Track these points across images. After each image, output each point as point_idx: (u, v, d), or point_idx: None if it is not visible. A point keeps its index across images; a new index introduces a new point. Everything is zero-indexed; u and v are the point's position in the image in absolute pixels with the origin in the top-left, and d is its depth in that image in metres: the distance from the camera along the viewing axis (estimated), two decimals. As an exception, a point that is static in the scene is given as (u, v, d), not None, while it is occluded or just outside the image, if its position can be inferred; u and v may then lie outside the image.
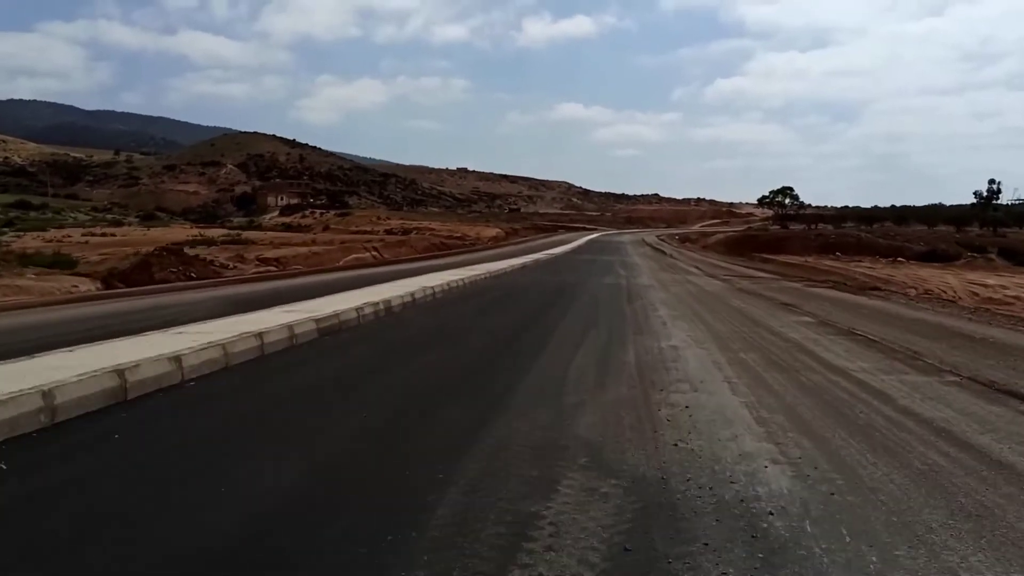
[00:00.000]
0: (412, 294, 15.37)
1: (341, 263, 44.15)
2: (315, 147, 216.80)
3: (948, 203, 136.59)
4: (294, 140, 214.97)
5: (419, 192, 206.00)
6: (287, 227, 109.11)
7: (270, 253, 43.28)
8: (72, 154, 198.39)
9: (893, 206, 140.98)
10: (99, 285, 27.74)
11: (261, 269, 37.50)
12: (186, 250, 37.85)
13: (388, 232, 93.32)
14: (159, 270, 32.07)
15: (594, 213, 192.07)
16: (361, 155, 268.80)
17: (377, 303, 13.09)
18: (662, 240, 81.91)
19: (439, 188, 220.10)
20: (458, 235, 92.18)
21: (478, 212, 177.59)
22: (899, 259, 53.60)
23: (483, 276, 22.69)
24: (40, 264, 32.97)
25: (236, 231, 72.89)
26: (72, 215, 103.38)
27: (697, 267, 34.79)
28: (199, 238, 55.12)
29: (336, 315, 11.29)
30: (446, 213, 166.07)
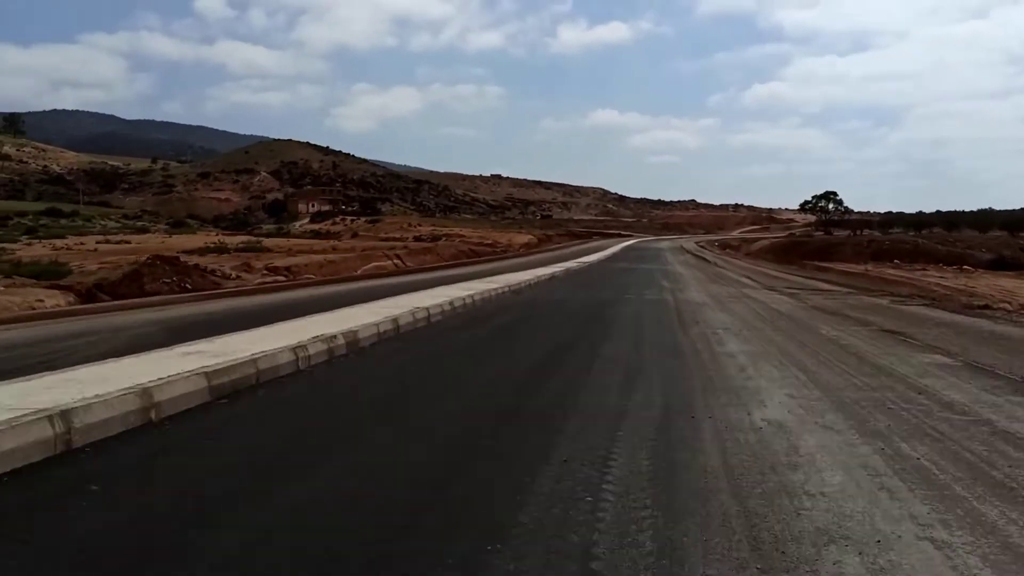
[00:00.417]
0: (396, 319, 11.49)
1: (359, 272, 40.61)
2: (348, 154, 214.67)
3: (995, 208, 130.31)
4: (327, 147, 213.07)
5: (452, 199, 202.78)
6: (316, 234, 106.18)
7: (281, 262, 39.75)
8: (110, 162, 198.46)
9: (939, 211, 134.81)
10: (72, 299, 24.32)
11: (268, 279, 34.01)
12: (185, 259, 34.44)
13: (416, 239, 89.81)
14: (150, 281, 28.62)
15: (630, 219, 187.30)
16: (396, 162, 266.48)
17: (334, 336, 9.23)
18: (702, 247, 77.56)
19: (472, 195, 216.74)
20: (489, 242, 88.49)
21: (511, 219, 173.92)
22: (964, 267, 48.71)
23: (501, 291, 18.80)
24: (29, 274, 29.96)
25: (258, 238, 69.80)
26: (101, 222, 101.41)
27: (749, 277, 30.58)
28: (215, 245, 51.83)
29: (254, 361, 7.46)
30: (479, 219, 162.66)
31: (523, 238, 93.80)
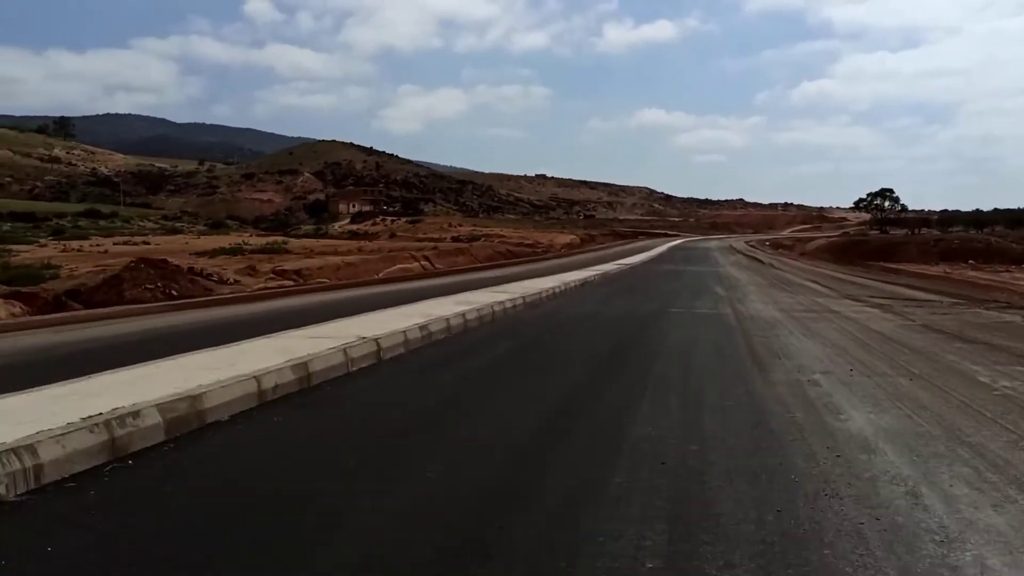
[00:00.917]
0: (347, 351, 7.40)
1: (381, 275, 36.88)
2: (392, 154, 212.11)
3: None
4: (371, 148, 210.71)
5: (495, 199, 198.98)
6: (353, 234, 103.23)
7: (292, 264, 36.11)
8: (157, 164, 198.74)
9: (996, 208, 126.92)
10: (19, 310, 20.80)
11: (271, 284, 30.31)
12: (180, 262, 30.90)
13: (455, 239, 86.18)
14: (131, 287, 25.10)
15: (676, 219, 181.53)
16: (442, 163, 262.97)
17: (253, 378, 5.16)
18: (753, 247, 72.55)
19: (516, 195, 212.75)
20: (529, 242, 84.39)
21: (555, 219, 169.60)
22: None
23: (514, 304, 14.64)
24: (6, 278, 26.84)
25: (287, 239, 66.66)
26: (140, 223, 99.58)
27: (816, 282, 26.03)
28: (231, 247, 48.60)
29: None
30: (522, 220, 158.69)
31: (565, 238, 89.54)
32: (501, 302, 14.07)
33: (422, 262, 44.34)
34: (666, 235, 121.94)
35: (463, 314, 11.78)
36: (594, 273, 27.64)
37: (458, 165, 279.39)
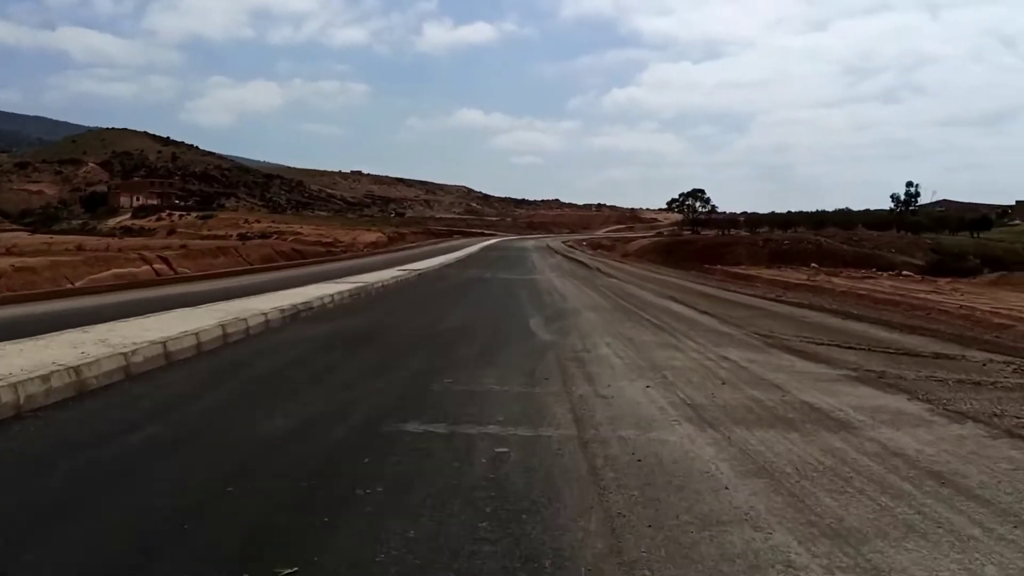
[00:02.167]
0: None
1: (80, 284, 25.82)
2: (192, 145, 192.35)
3: (828, 210, 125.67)
4: (168, 138, 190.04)
5: (306, 195, 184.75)
6: (127, 231, 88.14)
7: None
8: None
9: (790, 211, 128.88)
10: None
11: None
12: None
13: (241, 236, 74.28)
14: None
15: (494, 218, 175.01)
16: (256, 159, 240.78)
17: None
18: (571, 247, 65.68)
19: (329, 191, 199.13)
20: (328, 240, 73.86)
21: (369, 216, 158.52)
22: (904, 273, 38.30)
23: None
24: None
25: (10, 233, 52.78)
26: None
27: (673, 298, 18.10)
28: None
29: None
30: (334, 217, 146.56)
31: (370, 236, 79.45)
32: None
33: (157, 265, 33.25)
34: (482, 234, 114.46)
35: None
36: (366, 282, 18.44)
37: (272, 160, 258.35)
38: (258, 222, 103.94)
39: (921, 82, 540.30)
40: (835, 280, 27.40)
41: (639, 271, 32.71)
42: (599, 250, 64.06)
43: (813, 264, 39.39)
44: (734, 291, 20.55)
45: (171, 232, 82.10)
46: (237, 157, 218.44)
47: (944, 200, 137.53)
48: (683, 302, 16.55)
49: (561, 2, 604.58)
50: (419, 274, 24.89)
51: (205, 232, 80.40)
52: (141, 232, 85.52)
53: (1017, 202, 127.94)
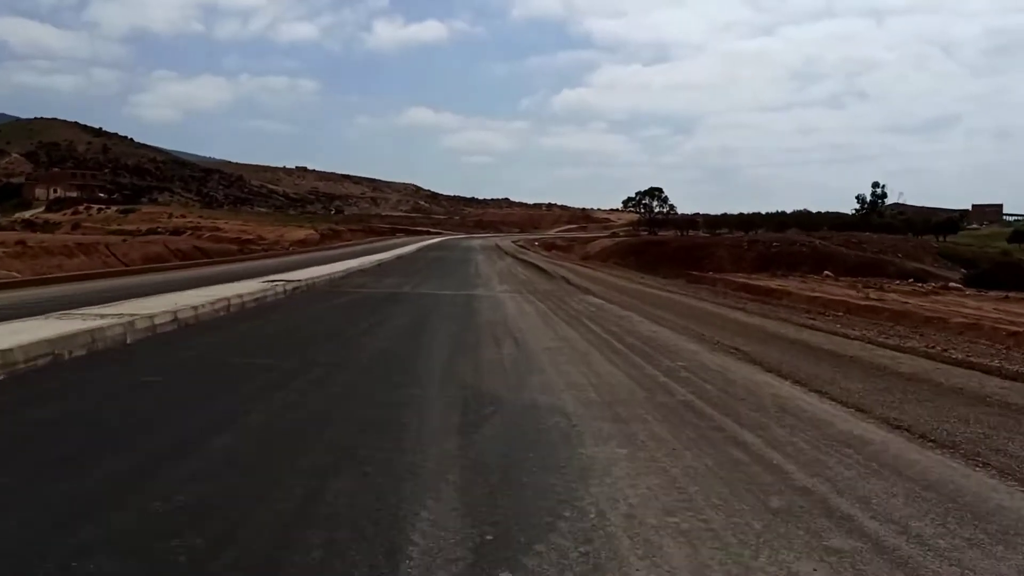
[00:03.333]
0: None
1: None
2: (126, 137, 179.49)
3: (782, 211, 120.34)
4: (100, 129, 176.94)
5: (245, 190, 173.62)
6: (29, 224, 77.35)
7: None
8: None
9: (753, 213, 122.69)
10: None
11: None
12: None
13: (150, 231, 64.62)
14: None
15: (441, 216, 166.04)
16: (203, 155, 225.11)
17: None
18: (522, 247, 57.66)
19: (271, 187, 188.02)
20: (249, 237, 64.56)
21: (311, 213, 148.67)
22: (924, 285, 30.93)
23: None
24: None
25: None
26: None
27: (723, 346, 9.93)
28: None
29: None
30: (274, 213, 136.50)
31: (299, 234, 70.23)
32: None
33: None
34: (427, 232, 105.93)
35: None
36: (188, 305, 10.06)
37: (219, 157, 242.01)
38: (183, 217, 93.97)
39: (864, 88, 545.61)
40: (890, 296, 19.62)
41: (615, 280, 24.59)
42: (554, 251, 56.18)
43: (826, 272, 31.80)
44: (797, 323, 12.53)
45: (75, 227, 71.95)
46: (183, 153, 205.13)
47: (895, 204, 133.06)
48: (757, 359, 8.42)
49: (512, 2, 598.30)
50: (308, 286, 16.42)
51: (115, 227, 70.39)
52: (44, 226, 74.95)
53: (973, 206, 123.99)
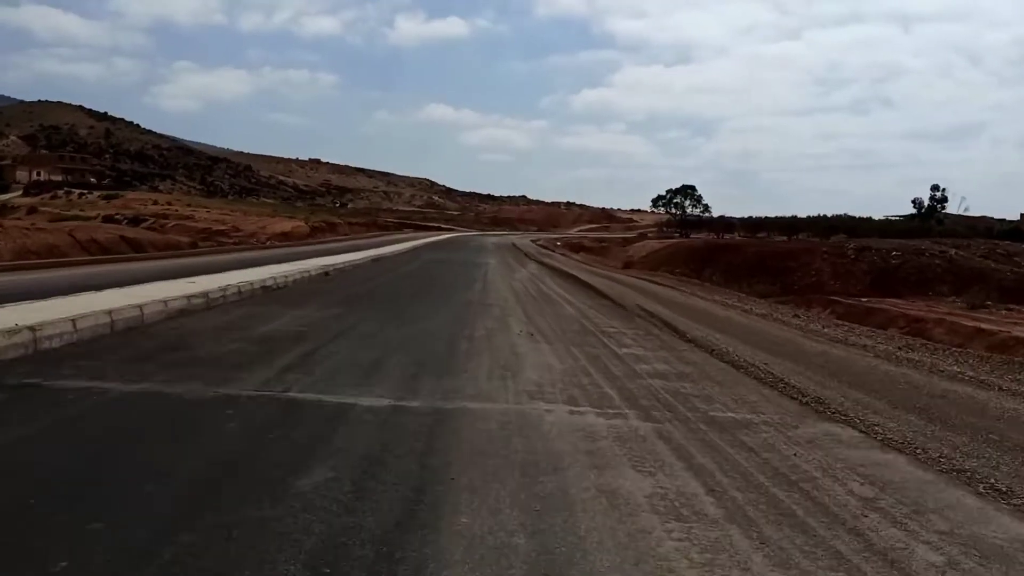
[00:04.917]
0: None
1: None
2: (132, 123, 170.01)
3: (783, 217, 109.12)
4: (105, 113, 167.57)
5: (253, 180, 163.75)
6: (-13, 208, 67.34)
7: None
8: None
9: (790, 216, 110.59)
10: None
11: None
12: None
13: (107, 218, 54.73)
14: None
15: (455, 212, 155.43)
16: (220, 146, 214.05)
17: None
18: (543, 248, 46.95)
19: (280, 178, 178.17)
20: (222, 228, 54.22)
21: (321, 205, 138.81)
22: None
23: None
24: None
25: None
26: None
27: None
28: None
29: None
30: (282, 205, 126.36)
31: (285, 226, 59.61)
32: None
33: None
34: (439, 229, 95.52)
35: None
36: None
37: (237, 148, 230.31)
38: (170, 204, 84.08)
39: (889, 94, 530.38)
40: None
41: (705, 305, 13.79)
42: (582, 253, 45.17)
43: (997, 302, 20.71)
44: None
45: (31, 211, 61.79)
46: (199, 143, 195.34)
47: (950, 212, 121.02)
48: None
49: (536, 0, 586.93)
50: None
51: (75, 212, 60.23)
52: (2, 210, 64.91)
53: (1022, 215, 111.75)
